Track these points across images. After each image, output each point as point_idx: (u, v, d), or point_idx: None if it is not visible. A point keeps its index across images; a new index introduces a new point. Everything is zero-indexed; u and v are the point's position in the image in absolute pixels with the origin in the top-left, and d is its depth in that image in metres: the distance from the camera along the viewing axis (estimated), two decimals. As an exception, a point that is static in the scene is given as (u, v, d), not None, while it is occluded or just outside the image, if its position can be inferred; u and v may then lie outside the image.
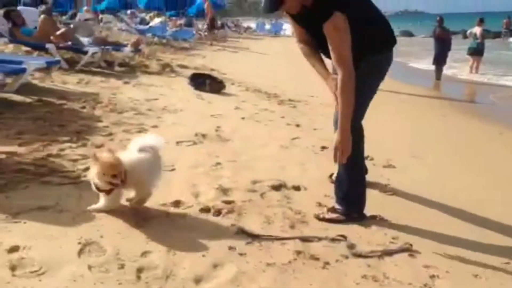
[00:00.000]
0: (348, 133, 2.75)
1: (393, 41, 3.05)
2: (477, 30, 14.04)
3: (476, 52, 13.97)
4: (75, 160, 3.61)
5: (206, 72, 9.45)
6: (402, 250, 2.69)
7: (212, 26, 21.49)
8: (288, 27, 38.59)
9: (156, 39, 15.97)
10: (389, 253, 2.64)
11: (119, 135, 4.51)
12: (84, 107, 5.43)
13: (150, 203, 2.96)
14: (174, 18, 24.83)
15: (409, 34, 39.14)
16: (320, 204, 3.28)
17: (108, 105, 5.68)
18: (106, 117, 5.11)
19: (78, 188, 3.09)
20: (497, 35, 33.95)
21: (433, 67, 13.15)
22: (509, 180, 4.44)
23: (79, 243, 2.36)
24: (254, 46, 22.17)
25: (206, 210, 3.00)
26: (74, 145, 4.00)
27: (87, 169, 3.43)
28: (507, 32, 33.58)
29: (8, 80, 5.46)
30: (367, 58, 2.89)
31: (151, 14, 27.20)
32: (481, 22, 14.15)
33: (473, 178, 4.43)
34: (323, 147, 4.76)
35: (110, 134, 4.50)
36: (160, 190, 3.21)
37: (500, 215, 3.42)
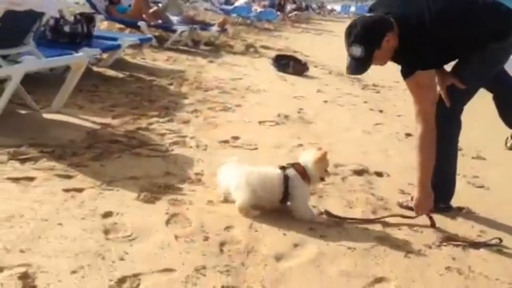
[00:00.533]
0: (427, 190, 2.68)
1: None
2: None
3: None
4: (162, 134, 3.76)
5: (290, 53, 9.42)
6: (491, 244, 2.56)
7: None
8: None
9: (240, 19, 16.10)
10: (477, 245, 2.53)
11: (204, 112, 4.63)
12: (171, 84, 5.63)
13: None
14: (258, -1, 24.93)
15: None
16: (403, 192, 3.19)
17: (194, 83, 5.85)
18: (192, 94, 5.27)
19: (165, 161, 3.22)
20: None
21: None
22: None
23: (167, 213, 2.46)
24: (338, 28, 21.67)
25: (287, 190, 3.01)
26: (161, 119, 4.17)
27: (174, 143, 3.61)
28: None
29: (104, 55, 5.77)
30: (485, 47, 2.67)
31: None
32: None
33: None
34: (408, 134, 4.60)
35: (195, 111, 4.63)
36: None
37: None
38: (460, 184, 3.29)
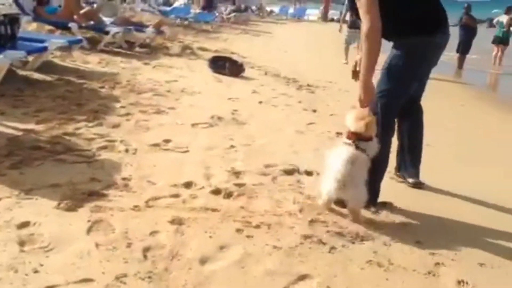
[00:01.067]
0: (367, 84, 2.79)
1: (436, 25, 2.97)
2: (504, 18, 13.64)
3: (501, 41, 13.58)
4: (90, 139, 3.66)
5: (227, 55, 9.42)
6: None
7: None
8: (311, 12, 38.25)
9: (178, 20, 15.94)
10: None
11: (136, 115, 4.54)
12: (103, 87, 5.48)
13: (161, 184, 2.99)
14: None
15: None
16: (331, 190, 3.25)
17: (127, 86, 5.72)
18: (124, 98, 5.15)
19: (91, 167, 3.13)
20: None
21: (456, 56, 12.88)
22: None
23: (89, 221, 2.39)
24: (277, 30, 22.01)
25: (216, 192, 3.01)
26: (90, 124, 4.05)
27: (101, 148, 3.52)
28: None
29: (30, 58, 5.53)
30: (403, 40, 2.94)
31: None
32: (509, 10, 13.72)
33: (486, 168, 4.33)
34: (338, 133, 4.70)
35: (127, 114, 4.53)
36: (172, 171, 3.27)
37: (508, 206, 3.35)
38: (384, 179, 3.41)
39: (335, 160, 2.73)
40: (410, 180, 3.49)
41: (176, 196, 2.86)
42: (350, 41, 11.02)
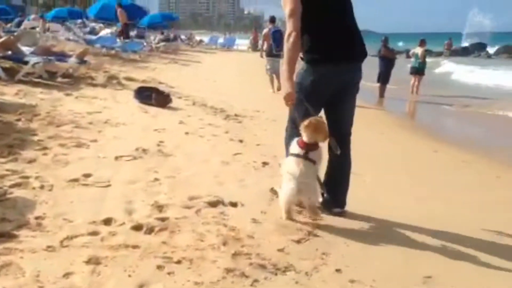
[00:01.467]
0: (287, 81, 3.22)
1: (336, 57, 3.31)
2: (419, 50, 14.60)
3: (418, 71, 14.50)
4: (2, 176, 3.47)
5: (154, 85, 9.35)
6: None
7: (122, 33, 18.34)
8: (241, 41, 38.94)
9: (104, 50, 15.67)
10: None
11: (54, 149, 4.36)
12: (19, 120, 5.24)
13: (79, 221, 2.88)
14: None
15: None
16: (255, 221, 3.27)
17: (46, 118, 5.50)
18: (42, 131, 4.94)
19: (2, 206, 2.96)
20: (439, 54, 35.58)
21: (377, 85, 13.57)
22: (435, 195, 4.53)
23: (-4, 264, 2.25)
24: (206, 59, 22.19)
25: (138, 227, 2.93)
26: (3, 159, 3.85)
27: (14, 185, 3.34)
28: (448, 52, 35.18)
29: None
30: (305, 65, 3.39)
31: (101, 24, 26.79)
32: (422, 43, 14.72)
33: (410, 191, 4.52)
34: (264, 163, 4.78)
35: (45, 148, 4.35)
36: (91, 207, 3.16)
37: (430, 229, 3.51)
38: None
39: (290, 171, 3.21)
40: (335, 210, 3.58)
41: (94, 234, 2.76)
42: (273, 70, 11.28)
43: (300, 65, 3.36)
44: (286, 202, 3.29)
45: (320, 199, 3.50)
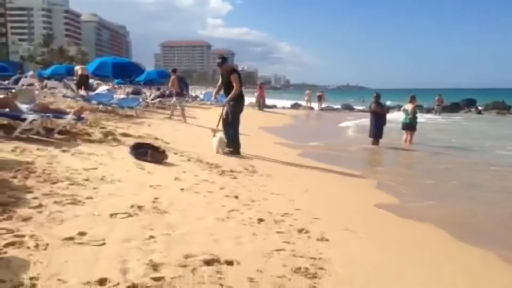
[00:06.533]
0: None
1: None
2: (409, 106, 14.93)
3: (408, 127, 14.77)
4: (-3, 235, 3.44)
5: (150, 141, 9.44)
6: None
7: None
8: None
9: (101, 106, 15.87)
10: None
11: (49, 207, 4.36)
12: (15, 177, 5.24)
13: (73, 282, 2.84)
14: (122, 85, 24.95)
15: (349, 107, 40.84)
16: (252, 280, 3.25)
17: (42, 175, 5.51)
18: (38, 188, 4.94)
19: (-4, 266, 2.93)
20: (429, 110, 36.20)
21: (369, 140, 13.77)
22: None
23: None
24: (201, 115, 22.47)
25: (133, 288, 2.90)
26: (-2, 218, 3.82)
27: (9, 244, 3.32)
28: (439, 108, 35.74)
29: None
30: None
31: (98, 81, 27.29)
32: (412, 99, 15.07)
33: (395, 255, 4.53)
34: (260, 220, 4.78)
35: (40, 206, 4.34)
36: (85, 267, 3.13)
37: None
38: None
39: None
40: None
41: (88, 295, 2.73)
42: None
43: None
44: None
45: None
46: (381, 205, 6.50)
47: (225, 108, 10.03)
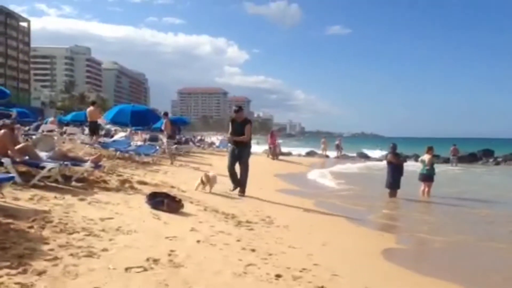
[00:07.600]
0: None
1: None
2: (426, 157, 14.75)
3: (426, 178, 14.51)
4: (11, 290, 3.38)
5: (166, 189, 9.42)
6: None
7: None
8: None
9: (118, 153, 16.02)
10: None
11: (65, 259, 4.29)
12: (32, 227, 5.21)
13: None
14: (139, 132, 25.27)
15: (365, 156, 40.66)
16: None
17: (58, 225, 5.47)
18: (54, 239, 4.89)
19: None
20: (446, 161, 35.35)
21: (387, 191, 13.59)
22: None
23: None
24: (216, 162, 22.49)
25: None
26: (13, 271, 3.76)
27: (22, 301, 3.23)
28: (454, 159, 34.90)
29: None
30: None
31: (117, 127, 27.68)
32: (429, 150, 14.86)
33: None
34: (278, 276, 4.64)
35: (55, 258, 4.27)
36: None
37: None
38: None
39: None
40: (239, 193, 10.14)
41: None
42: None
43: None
44: None
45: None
46: (401, 263, 6.32)
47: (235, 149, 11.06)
